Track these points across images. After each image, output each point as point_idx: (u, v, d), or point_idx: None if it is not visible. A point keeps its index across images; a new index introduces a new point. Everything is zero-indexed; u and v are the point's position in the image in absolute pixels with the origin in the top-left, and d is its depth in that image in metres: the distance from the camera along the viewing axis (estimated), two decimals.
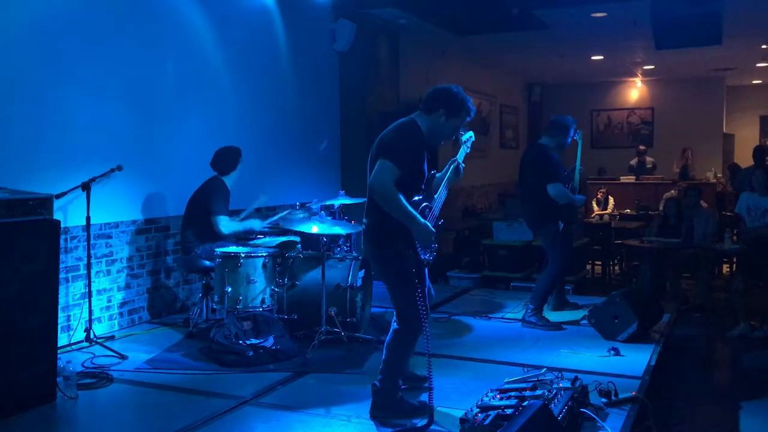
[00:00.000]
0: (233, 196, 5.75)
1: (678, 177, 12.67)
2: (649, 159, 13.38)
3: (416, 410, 3.79)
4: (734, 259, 8.48)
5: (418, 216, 3.60)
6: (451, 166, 3.90)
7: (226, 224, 5.49)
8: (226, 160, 5.71)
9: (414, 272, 3.65)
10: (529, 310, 5.79)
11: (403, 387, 3.89)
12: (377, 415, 3.78)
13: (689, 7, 8.19)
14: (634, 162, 13.41)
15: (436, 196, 3.84)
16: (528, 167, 6.02)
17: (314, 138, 8.39)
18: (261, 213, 6.62)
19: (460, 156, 3.95)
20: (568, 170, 6.05)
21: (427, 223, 3.65)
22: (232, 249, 5.24)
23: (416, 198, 3.68)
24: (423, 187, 3.77)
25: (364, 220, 3.85)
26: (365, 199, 6.32)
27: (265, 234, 5.96)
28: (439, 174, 3.95)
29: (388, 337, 3.82)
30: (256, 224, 5.78)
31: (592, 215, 10.78)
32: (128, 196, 5.84)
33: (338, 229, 5.28)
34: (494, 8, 8.72)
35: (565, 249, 5.91)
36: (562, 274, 6.11)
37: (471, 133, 4.00)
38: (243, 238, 5.74)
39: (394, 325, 3.79)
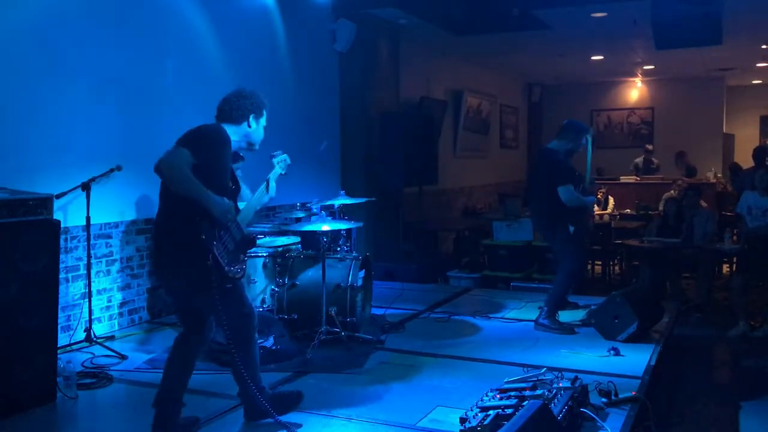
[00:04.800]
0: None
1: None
2: (655, 159, 13.40)
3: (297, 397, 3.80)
4: (734, 259, 8.48)
5: (211, 193, 3.30)
6: (263, 184, 3.82)
7: None
8: None
9: (226, 285, 3.40)
10: (543, 313, 5.72)
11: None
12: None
13: (689, 7, 8.19)
14: (639, 160, 13.40)
15: (241, 208, 3.71)
16: (538, 173, 5.95)
17: (314, 138, 8.38)
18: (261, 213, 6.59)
19: (272, 176, 3.86)
20: (579, 171, 5.97)
21: (224, 198, 3.38)
22: None
23: None
24: (227, 196, 3.50)
25: (156, 224, 3.57)
26: (364, 200, 6.37)
27: (265, 234, 5.96)
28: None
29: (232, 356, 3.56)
30: None
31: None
32: (128, 196, 5.84)
33: (341, 225, 5.29)
34: (494, 8, 8.72)
35: (577, 247, 5.84)
36: (576, 273, 5.96)
37: (285, 156, 3.94)
38: None
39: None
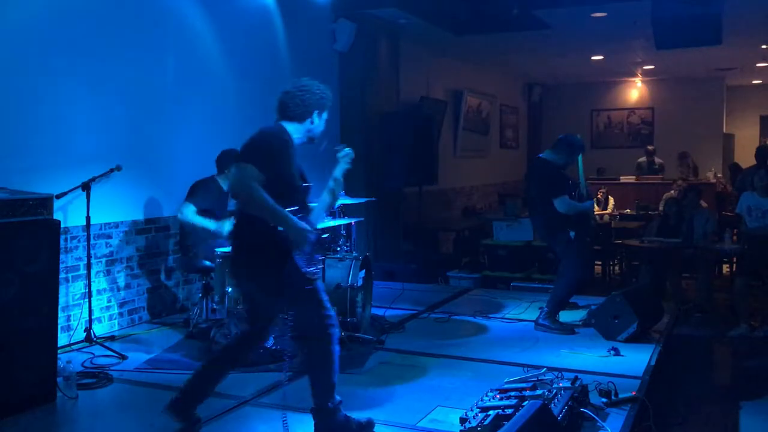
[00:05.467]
0: None
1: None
2: (657, 159, 13.41)
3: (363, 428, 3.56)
4: (734, 259, 8.47)
5: (289, 214, 3.30)
6: (331, 182, 3.78)
7: (184, 210, 5.31)
8: (219, 160, 5.67)
9: (306, 287, 3.41)
10: (543, 313, 5.72)
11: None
12: None
13: (689, 7, 8.19)
14: (642, 160, 13.40)
15: (313, 207, 3.68)
16: (532, 183, 5.96)
17: None
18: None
19: (338, 172, 3.83)
20: (573, 179, 5.95)
21: (300, 222, 3.36)
22: None
23: (288, 209, 3.37)
24: (299, 199, 3.56)
25: (234, 242, 3.57)
26: (364, 200, 6.37)
27: None
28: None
29: (303, 359, 3.57)
30: (213, 225, 5.29)
31: None
32: (128, 196, 5.84)
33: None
34: (494, 8, 8.72)
35: (582, 257, 5.80)
36: (581, 282, 5.93)
37: (349, 150, 3.87)
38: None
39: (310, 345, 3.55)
